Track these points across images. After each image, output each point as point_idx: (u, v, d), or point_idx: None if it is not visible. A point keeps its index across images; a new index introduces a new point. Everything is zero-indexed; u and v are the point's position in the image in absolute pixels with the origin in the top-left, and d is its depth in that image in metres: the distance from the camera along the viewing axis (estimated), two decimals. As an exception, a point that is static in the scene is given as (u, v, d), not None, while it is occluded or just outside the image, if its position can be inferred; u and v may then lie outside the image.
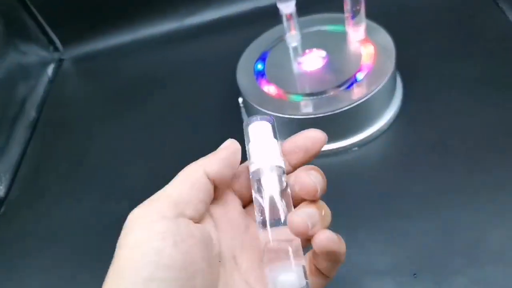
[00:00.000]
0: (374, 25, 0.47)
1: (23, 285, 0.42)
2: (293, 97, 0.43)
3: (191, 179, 0.22)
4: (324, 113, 0.41)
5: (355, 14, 0.43)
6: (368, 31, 0.45)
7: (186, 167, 0.22)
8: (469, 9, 0.53)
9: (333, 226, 0.37)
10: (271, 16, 0.48)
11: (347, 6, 0.43)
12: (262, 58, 0.48)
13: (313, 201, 0.22)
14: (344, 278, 0.35)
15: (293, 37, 0.46)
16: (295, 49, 0.47)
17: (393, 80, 0.44)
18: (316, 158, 0.43)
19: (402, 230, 0.36)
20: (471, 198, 0.37)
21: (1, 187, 0.52)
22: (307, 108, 0.42)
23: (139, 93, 0.59)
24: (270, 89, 0.45)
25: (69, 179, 0.51)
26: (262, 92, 0.45)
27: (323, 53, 0.46)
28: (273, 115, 0.42)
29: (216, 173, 0.22)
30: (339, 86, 0.42)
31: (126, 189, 0.47)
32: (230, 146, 0.23)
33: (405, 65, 0.46)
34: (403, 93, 0.46)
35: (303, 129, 0.42)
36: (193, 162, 0.23)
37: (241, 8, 0.63)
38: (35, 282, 0.42)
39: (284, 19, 0.44)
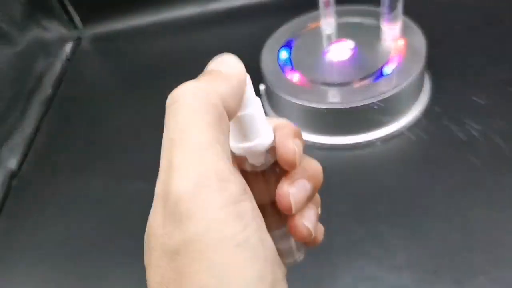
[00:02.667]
0: (407, 20, 0.46)
1: (31, 257, 0.42)
2: (318, 86, 0.42)
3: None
4: (349, 104, 0.40)
5: (391, 10, 0.42)
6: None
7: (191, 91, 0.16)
8: (503, 10, 0.52)
9: (354, 219, 0.37)
10: (295, 5, 0.47)
11: (385, 3, 0.42)
12: (288, 46, 0.47)
13: (314, 199, 0.19)
14: (363, 271, 0.34)
15: (328, 25, 0.45)
16: (328, 36, 0.46)
17: (421, 76, 0.43)
18: (340, 151, 0.43)
19: (424, 227, 0.35)
20: (494, 198, 0.36)
21: (14, 160, 0.51)
22: (331, 98, 0.41)
23: (156, 75, 0.58)
24: (294, 77, 0.44)
25: (83, 156, 0.50)
26: (286, 79, 0.44)
27: (351, 44, 0.45)
28: (296, 103, 0.41)
29: (229, 104, 0.16)
30: (366, 78, 0.41)
31: (140, 169, 0.46)
32: (241, 72, 0.17)
33: (435, 63, 0.45)
34: (430, 91, 0.45)
35: (326, 118, 0.41)
36: (197, 82, 0.16)
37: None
38: (44, 255, 0.41)
39: (321, 5, 0.43)
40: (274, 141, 0.18)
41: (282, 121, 0.19)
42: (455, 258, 0.33)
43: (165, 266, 0.14)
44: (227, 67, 0.17)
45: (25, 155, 0.52)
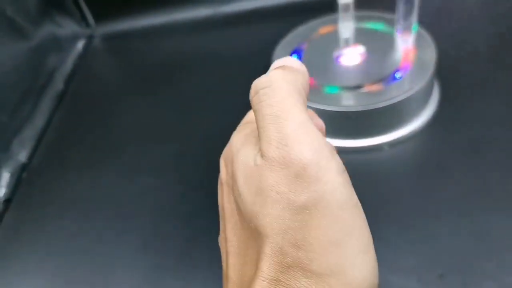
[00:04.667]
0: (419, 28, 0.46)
1: (41, 250, 0.42)
2: (328, 89, 0.43)
3: None
4: (358, 108, 0.41)
5: (406, 18, 0.42)
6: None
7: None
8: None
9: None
10: (306, 10, 0.47)
11: (399, 13, 0.42)
12: (298, 49, 0.48)
13: None
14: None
15: (346, 29, 0.46)
16: (345, 40, 0.46)
17: (430, 83, 0.44)
18: (348, 154, 0.43)
19: (431, 231, 0.36)
20: (503, 205, 0.36)
21: (25, 152, 0.52)
22: (341, 101, 0.42)
23: (168, 75, 0.59)
24: (305, 80, 0.44)
25: (93, 152, 0.51)
26: (297, 82, 0.44)
27: (363, 49, 0.45)
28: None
29: (306, 94, 0.20)
30: (376, 83, 0.42)
31: (150, 167, 0.47)
32: (306, 70, 0.21)
33: (444, 70, 0.46)
34: (439, 98, 0.45)
35: (335, 121, 0.42)
36: (283, 71, 0.19)
37: (278, 0, 0.63)
38: (53, 248, 0.42)
39: (340, 9, 0.44)
40: None
41: None
42: (462, 262, 0.33)
43: (289, 218, 0.16)
44: (296, 64, 0.20)
45: (35, 149, 0.53)
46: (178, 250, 0.39)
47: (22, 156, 0.51)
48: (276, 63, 0.20)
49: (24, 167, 0.51)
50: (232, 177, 0.20)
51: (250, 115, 0.24)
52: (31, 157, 0.52)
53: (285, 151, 0.16)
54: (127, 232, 0.41)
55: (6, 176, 0.49)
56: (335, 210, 0.16)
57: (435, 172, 0.40)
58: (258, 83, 0.19)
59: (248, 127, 0.22)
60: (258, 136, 0.18)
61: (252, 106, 0.19)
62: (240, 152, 0.20)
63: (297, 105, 0.17)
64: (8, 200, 0.47)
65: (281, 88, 0.18)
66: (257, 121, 0.18)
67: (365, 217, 0.17)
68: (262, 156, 0.17)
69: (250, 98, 0.19)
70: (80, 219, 0.44)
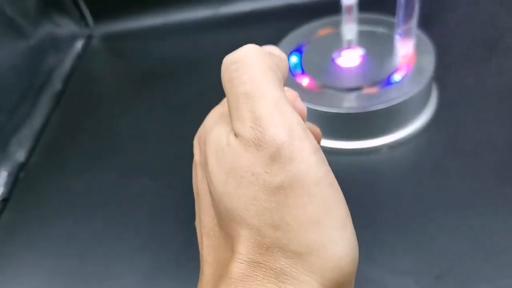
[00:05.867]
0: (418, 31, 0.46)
1: (37, 251, 0.42)
2: (328, 91, 0.43)
3: None
4: (357, 110, 0.41)
5: (405, 23, 0.42)
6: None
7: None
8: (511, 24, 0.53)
9: (359, 223, 0.37)
10: (306, 11, 0.47)
11: (399, 17, 0.42)
12: (298, 51, 0.48)
13: None
14: (365, 275, 0.34)
15: (349, 30, 0.46)
16: (349, 42, 0.47)
17: (429, 86, 0.44)
18: (347, 156, 0.43)
19: (429, 233, 0.36)
20: (500, 208, 0.36)
21: (22, 152, 0.52)
22: (340, 103, 0.42)
23: (166, 76, 0.59)
24: (304, 81, 0.45)
25: (90, 152, 0.51)
26: (296, 83, 0.45)
27: (362, 51, 0.45)
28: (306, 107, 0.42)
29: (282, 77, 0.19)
30: (375, 85, 0.42)
31: (147, 168, 0.47)
32: (286, 57, 0.20)
33: (443, 74, 0.46)
34: (438, 101, 0.46)
35: (335, 123, 0.42)
36: (257, 46, 0.18)
37: (277, 2, 0.63)
38: (50, 249, 0.42)
39: (344, 10, 0.44)
40: None
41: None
42: (459, 265, 0.34)
43: (265, 199, 0.16)
44: (273, 48, 0.20)
45: (33, 148, 0.53)
46: (176, 252, 0.39)
47: (19, 155, 0.51)
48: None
49: (21, 167, 0.51)
50: (204, 157, 0.19)
51: None
52: (28, 157, 0.52)
53: (260, 131, 0.16)
54: (125, 233, 0.41)
55: (4, 175, 0.49)
56: (311, 188, 0.16)
57: (433, 174, 0.40)
58: (229, 59, 0.18)
59: (221, 107, 0.22)
60: (229, 114, 0.18)
61: (223, 84, 0.18)
62: (212, 131, 0.19)
63: (271, 83, 0.17)
64: (5, 200, 0.47)
65: (253, 64, 0.17)
66: (228, 99, 0.18)
67: (341, 194, 0.17)
68: (236, 135, 0.17)
69: (222, 75, 0.19)
70: (77, 219, 0.44)
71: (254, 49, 0.18)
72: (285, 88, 0.21)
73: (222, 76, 0.18)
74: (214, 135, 0.19)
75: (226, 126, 0.19)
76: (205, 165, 0.19)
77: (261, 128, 0.16)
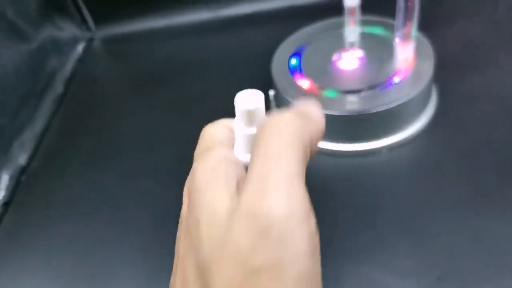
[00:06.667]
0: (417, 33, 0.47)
1: (39, 253, 0.42)
2: (328, 93, 0.43)
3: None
4: (357, 112, 0.41)
5: (405, 26, 0.42)
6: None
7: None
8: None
9: (360, 224, 0.37)
10: (306, 14, 0.48)
11: (399, 19, 0.42)
12: (298, 53, 0.48)
13: None
14: (366, 276, 0.34)
15: (352, 32, 0.46)
16: (351, 44, 0.47)
17: (429, 88, 0.44)
18: (346, 158, 0.44)
19: (430, 234, 0.36)
20: (501, 209, 0.36)
21: (24, 155, 0.52)
22: (340, 105, 0.42)
23: (168, 78, 0.59)
24: (304, 83, 0.45)
25: (92, 155, 0.51)
26: (296, 85, 0.45)
27: (362, 53, 0.46)
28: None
29: (313, 147, 0.19)
30: (376, 87, 0.42)
31: (149, 170, 0.47)
32: (323, 122, 0.20)
33: (442, 76, 0.46)
34: (437, 102, 0.46)
35: (334, 125, 0.42)
36: (294, 117, 0.18)
37: (277, 4, 0.64)
38: (52, 251, 0.42)
39: (347, 12, 0.44)
40: None
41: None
42: (460, 266, 0.34)
43: (238, 276, 0.15)
44: (313, 112, 0.20)
45: (35, 151, 0.53)
46: (177, 253, 0.39)
47: (21, 159, 0.52)
48: (297, 106, 0.20)
49: (23, 170, 0.51)
50: (193, 219, 0.18)
51: (207, 138, 0.22)
52: (30, 160, 0.52)
53: (258, 200, 0.15)
54: (127, 235, 0.41)
55: (5, 178, 0.49)
56: (292, 281, 0.14)
57: (433, 176, 0.40)
58: (268, 124, 0.18)
59: (212, 158, 0.19)
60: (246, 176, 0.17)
61: (256, 139, 0.18)
62: (205, 195, 0.18)
63: (294, 159, 0.16)
64: (7, 203, 0.48)
65: (285, 135, 0.17)
66: (252, 154, 0.17)
67: None
68: (238, 201, 0.16)
69: (257, 130, 0.18)
70: (79, 222, 0.44)
71: (290, 119, 0.18)
72: (302, 101, 0.21)
73: (257, 130, 0.18)
74: (208, 200, 0.17)
75: (223, 191, 0.17)
76: (191, 226, 0.18)
77: (264, 198, 0.15)
